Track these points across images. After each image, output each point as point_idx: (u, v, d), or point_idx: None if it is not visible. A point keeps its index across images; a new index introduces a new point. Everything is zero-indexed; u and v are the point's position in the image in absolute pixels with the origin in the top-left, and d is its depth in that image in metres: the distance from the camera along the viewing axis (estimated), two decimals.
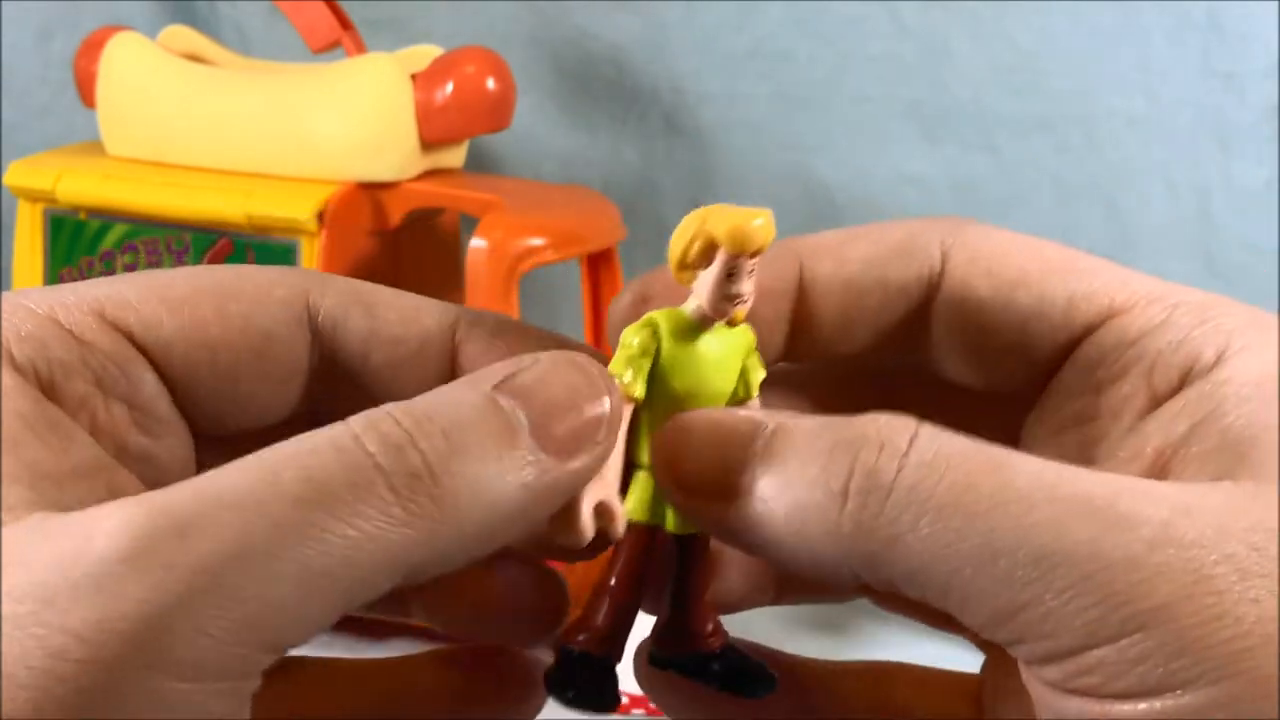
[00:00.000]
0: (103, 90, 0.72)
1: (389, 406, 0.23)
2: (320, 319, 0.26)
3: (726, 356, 0.26)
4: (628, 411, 0.26)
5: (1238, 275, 0.72)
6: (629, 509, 0.26)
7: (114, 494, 0.22)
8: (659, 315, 0.26)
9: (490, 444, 0.22)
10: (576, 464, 0.24)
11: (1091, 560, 0.21)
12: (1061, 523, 0.22)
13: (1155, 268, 0.72)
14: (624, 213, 0.72)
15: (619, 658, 0.27)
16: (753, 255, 0.25)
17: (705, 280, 0.26)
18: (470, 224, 0.67)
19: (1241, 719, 0.21)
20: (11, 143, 0.87)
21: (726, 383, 0.26)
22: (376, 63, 0.69)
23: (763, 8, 0.77)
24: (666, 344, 0.26)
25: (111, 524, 0.19)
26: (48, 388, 0.23)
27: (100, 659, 0.18)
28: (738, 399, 0.27)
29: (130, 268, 0.70)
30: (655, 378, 0.26)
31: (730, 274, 0.25)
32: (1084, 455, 0.27)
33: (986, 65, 0.75)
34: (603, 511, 0.25)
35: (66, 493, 0.22)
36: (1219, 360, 0.25)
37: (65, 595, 0.18)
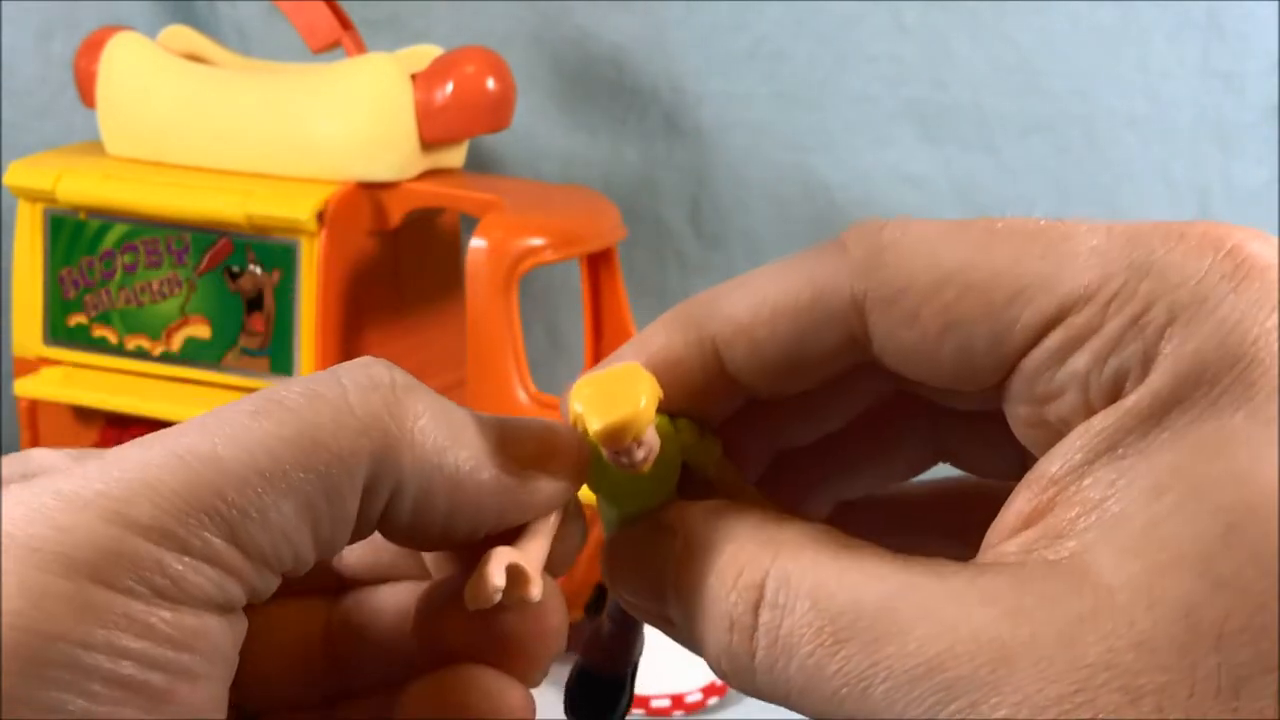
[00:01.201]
0: (103, 90, 0.72)
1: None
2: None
3: (654, 477, 0.26)
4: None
5: None
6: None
7: None
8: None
9: (448, 419, 0.25)
10: (533, 492, 0.25)
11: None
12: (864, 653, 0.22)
13: None
14: (624, 213, 0.72)
15: (629, 666, 0.27)
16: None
17: (601, 448, 0.26)
18: (470, 224, 0.67)
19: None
20: (11, 143, 0.87)
21: (665, 487, 0.26)
22: (376, 63, 0.69)
23: (763, 8, 0.77)
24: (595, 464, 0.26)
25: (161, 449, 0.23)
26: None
27: (147, 532, 0.22)
28: (704, 475, 0.27)
29: (130, 268, 0.70)
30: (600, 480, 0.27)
31: (618, 453, 0.25)
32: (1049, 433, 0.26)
33: (986, 65, 0.75)
34: (515, 575, 0.25)
35: None
36: (1142, 373, 0.23)
37: (128, 489, 0.22)
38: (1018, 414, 0.25)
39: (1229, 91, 0.72)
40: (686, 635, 0.25)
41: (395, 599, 0.28)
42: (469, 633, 0.26)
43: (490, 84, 0.68)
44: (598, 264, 0.71)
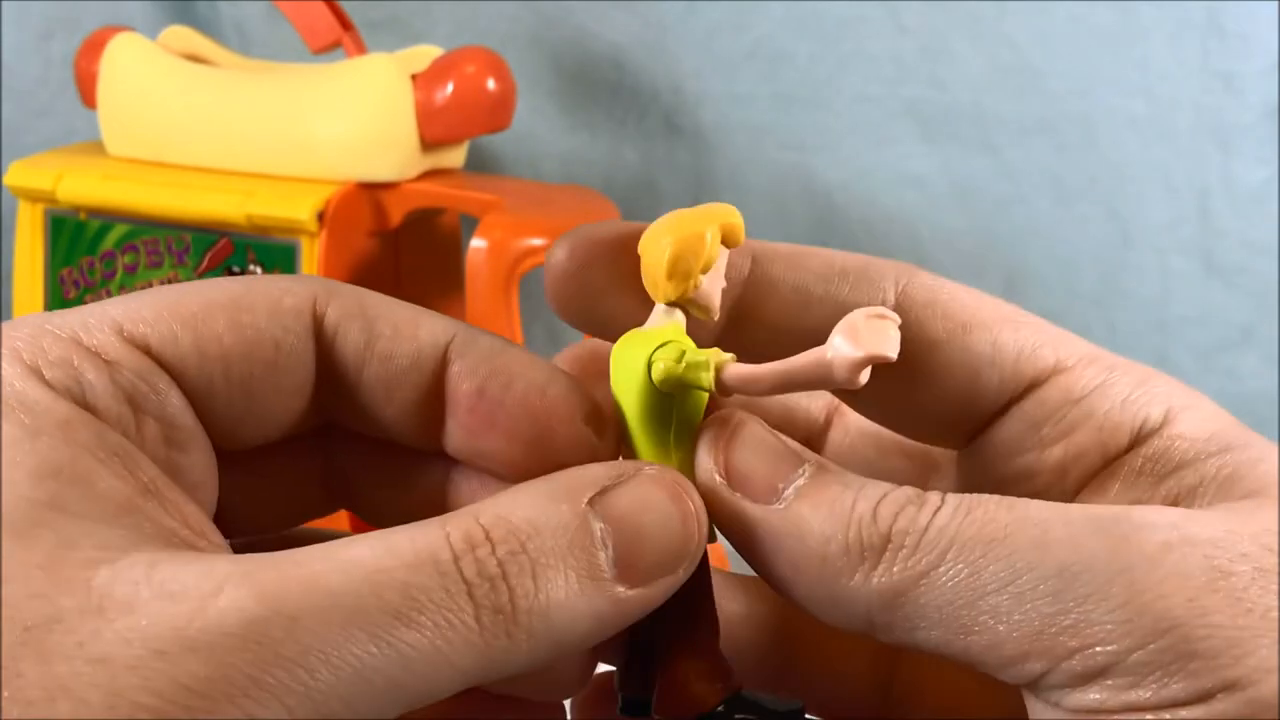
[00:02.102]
0: (103, 90, 0.72)
1: (486, 518, 0.23)
2: (324, 329, 0.26)
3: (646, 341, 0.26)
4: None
5: (1237, 275, 0.72)
6: None
7: (179, 515, 0.23)
8: (625, 344, 0.27)
9: (575, 575, 0.23)
10: (649, 592, 0.24)
11: (1110, 566, 0.21)
12: (1077, 538, 0.22)
13: (1155, 267, 0.72)
14: (624, 213, 0.72)
15: (651, 690, 0.27)
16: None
17: (713, 281, 0.26)
18: (470, 224, 0.67)
19: None
20: (12, 143, 0.87)
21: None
22: (376, 63, 0.69)
23: (763, 8, 0.77)
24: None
25: (225, 600, 0.20)
26: (88, 410, 0.23)
27: (197, 707, 0.20)
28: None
29: (130, 268, 0.70)
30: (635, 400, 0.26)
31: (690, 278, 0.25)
32: None
33: (986, 65, 0.75)
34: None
35: (143, 517, 0.22)
36: (1167, 419, 0.25)
37: (179, 651, 0.20)
38: (997, 469, 0.27)
39: (1229, 92, 0.72)
40: (794, 529, 0.24)
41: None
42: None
43: (490, 84, 0.68)
44: None
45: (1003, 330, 0.26)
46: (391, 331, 0.26)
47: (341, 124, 0.68)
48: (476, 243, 0.64)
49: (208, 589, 0.21)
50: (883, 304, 0.27)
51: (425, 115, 0.68)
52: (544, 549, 0.23)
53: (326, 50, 0.72)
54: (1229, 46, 0.71)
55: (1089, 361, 0.26)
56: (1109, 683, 0.21)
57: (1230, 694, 0.21)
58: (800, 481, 0.24)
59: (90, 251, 0.71)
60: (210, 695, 0.20)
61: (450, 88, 0.68)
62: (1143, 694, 0.21)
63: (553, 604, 0.23)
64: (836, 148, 0.78)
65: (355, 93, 0.68)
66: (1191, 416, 0.25)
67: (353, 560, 0.22)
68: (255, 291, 0.26)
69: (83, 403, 0.23)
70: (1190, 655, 0.21)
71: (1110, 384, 0.26)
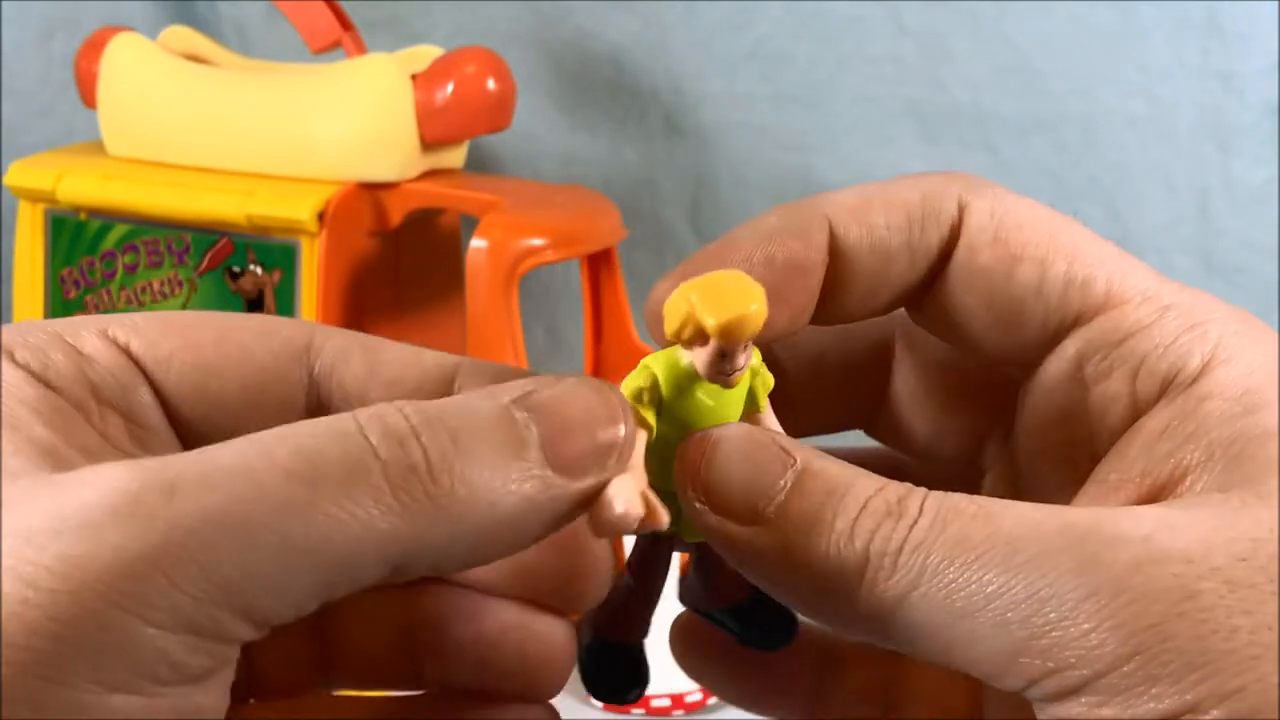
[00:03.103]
0: (103, 91, 0.72)
1: (399, 403, 0.23)
2: (321, 361, 0.26)
3: (727, 402, 0.26)
4: (642, 440, 0.25)
5: (1237, 275, 0.72)
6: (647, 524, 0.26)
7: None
8: (655, 364, 0.26)
9: (496, 451, 0.23)
10: (582, 485, 0.24)
11: (1077, 588, 0.21)
12: (1046, 557, 0.22)
13: (1155, 267, 0.72)
14: (624, 213, 0.72)
15: (643, 635, 0.27)
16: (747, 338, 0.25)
17: (699, 356, 0.25)
18: (470, 224, 0.67)
19: None
20: (12, 143, 0.87)
21: (731, 417, 0.26)
22: (376, 63, 0.69)
23: (763, 8, 0.77)
24: (668, 390, 0.26)
25: (102, 479, 0.20)
26: (45, 386, 0.24)
27: (70, 590, 0.19)
28: (746, 414, 0.27)
29: (130, 268, 0.70)
30: (666, 410, 0.26)
31: (724, 355, 0.25)
32: (1071, 454, 0.27)
33: (986, 65, 0.75)
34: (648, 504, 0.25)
35: (69, 463, 0.22)
36: (1203, 370, 0.25)
37: (46, 535, 0.19)
38: (1042, 406, 0.27)
39: (1228, 92, 0.72)
40: (780, 548, 0.24)
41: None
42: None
43: (490, 84, 0.68)
44: (598, 264, 0.71)
45: (1055, 261, 0.26)
46: (396, 362, 0.27)
47: (341, 124, 0.68)
48: (476, 243, 0.64)
49: (89, 477, 0.20)
50: (949, 234, 0.27)
51: (425, 115, 0.68)
52: (462, 424, 0.23)
53: (326, 50, 0.72)
54: (1229, 46, 0.71)
55: (1144, 298, 0.26)
56: (1083, 700, 0.21)
57: (1193, 715, 0.21)
58: (780, 498, 0.24)
59: (90, 251, 0.71)
60: (84, 581, 0.19)
61: (450, 88, 0.68)
62: (1113, 712, 0.21)
63: (473, 470, 0.22)
64: (836, 148, 0.78)
65: (355, 93, 0.68)
66: (1230, 370, 0.24)
67: (247, 439, 0.21)
68: (251, 319, 0.26)
69: (41, 378, 0.23)
70: (1154, 680, 0.21)
71: (1158, 325, 0.25)
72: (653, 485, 0.26)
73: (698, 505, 0.25)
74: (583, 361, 0.75)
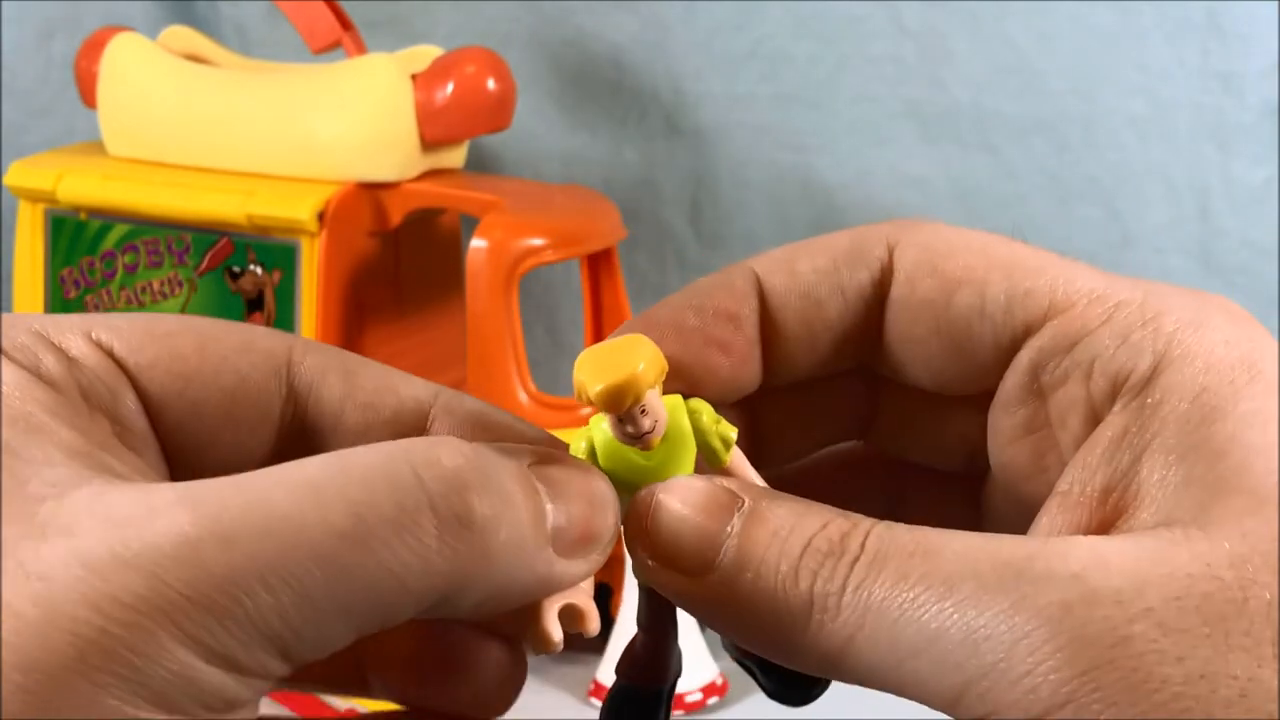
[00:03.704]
0: (103, 90, 0.72)
1: (455, 441, 0.23)
2: (299, 376, 0.26)
3: (666, 460, 0.26)
4: None
5: (1237, 275, 0.72)
6: (640, 578, 0.26)
7: (137, 468, 0.24)
8: (595, 428, 0.26)
9: (528, 515, 0.23)
10: (577, 569, 0.24)
11: (1010, 632, 0.21)
12: (982, 596, 0.22)
13: (1155, 267, 0.72)
14: (624, 213, 0.72)
15: (668, 679, 0.27)
16: (634, 404, 0.25)
17: (606, 421, 0.26)
18: (470, 224, 0.67)
19: None
20: (12, 143, 0.87)
21: (676, 472, 0.26)
22: (376, 63, 0.69)
23: (763, 8, 0.77)
24: (602, 454, 0.26)
25: (164, 522, 0.21)
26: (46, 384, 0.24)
27: (133, 622, 0.20)
28: (715, 465, 0.27)
29: (130, 268, 0.70)
30: (608, 472, 0.26)
31: (622, 420, 0.25)
32: (1037, 465, 0.26)
33: (986, 66, 0.75)
34: (572, 614, 0.25)
35: (96, 462, 0.23)
36: (1155, 371, 0.24)
37: (115, 568, 0.20)
38: (1006, 423, 0.26)
39: (1228, 92, 0.72)
40: (729, 597, 0.24)
41: None
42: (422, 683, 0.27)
43: (490, 84, 0.68)
44: (598, 264, 0.71)
45: (993, 280, 0.26)
46: (374, 385, 0.27)
47: (341, 124, 0.68)
48: (476, 243, 0.64)
49: (147, 512, 0.21)
50: (879, 272, 0.27)
51: (425, 115, 0.68)
52: (503, 479, 0.23)
53: (326, 50, 0.72)
54: (1229, 46, 0.71)
55: (1092, 298, 0.25)
56: None
57: None
58: (730, 543, 0.24)
59: (90, 251, 0.71)
60: (146, 613, 0.20)
61: (450, 88, 0.68)
62: None
63: (510, 530, 0.23)
64: (836, 148, 0.78)
65: (355, 93, 0.68)
66: (1183, 370, 0.24)
67: (300, 479, 0.22)
68: (233, 329, 0.26)
69: (46, 380, 0.24)
70: None
71: (1108, 325, 0.25)
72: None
73: (649, 564, 0.25)
74: None
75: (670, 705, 0.28)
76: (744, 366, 0.27)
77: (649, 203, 0.81)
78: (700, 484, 0.25)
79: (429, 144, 0.69)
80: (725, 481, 0.25)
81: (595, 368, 0.25)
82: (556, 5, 0.80)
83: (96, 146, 0.74)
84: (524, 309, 0.68)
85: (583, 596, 0.25)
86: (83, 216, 0.71)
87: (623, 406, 0.25)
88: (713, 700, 0.64)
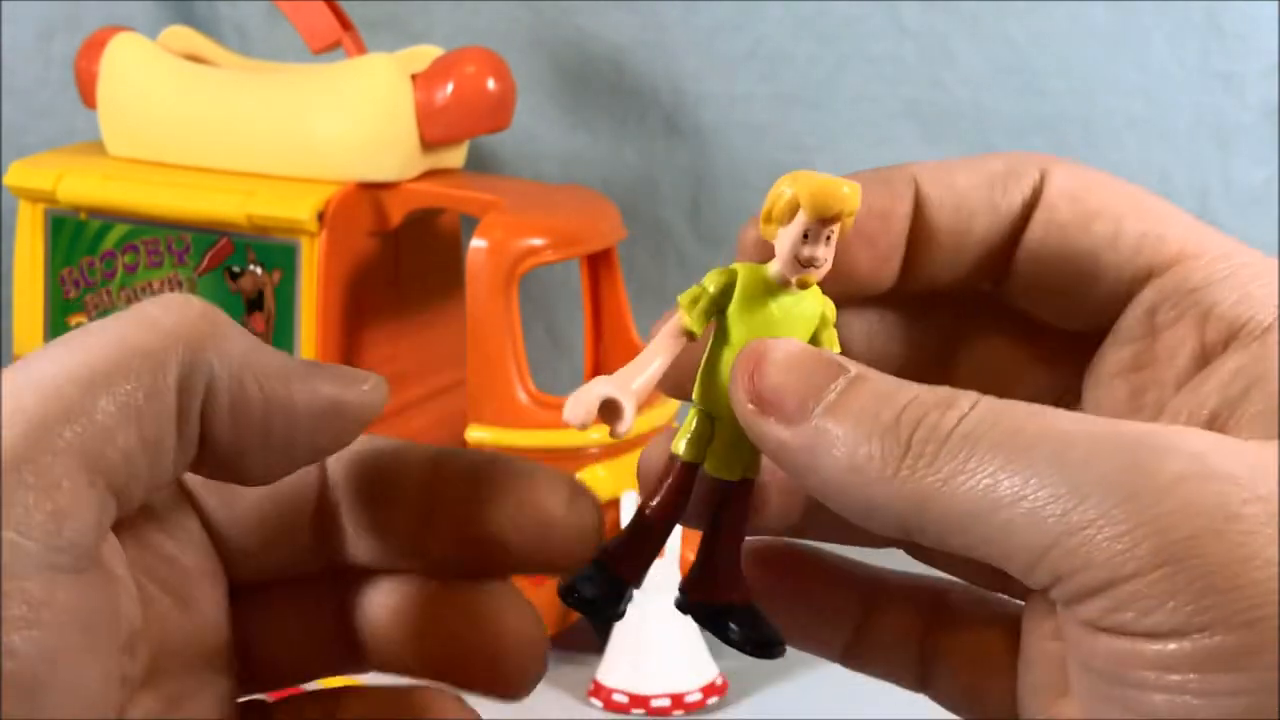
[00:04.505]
0: (103, 90, 0.72)
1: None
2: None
3: (795, 320, 0.26)
4: (679, 345, 0.26)
5: None
6: (676, 444, 0.27)
7: None
8: (741, 266, 0.27)
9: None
10: None
11: (1119, 490, 0.21)
12: (1095, 456, 0.22)
13: None
14: (624, 213, 0.72)
15: (636, 582, 0.27)
16: (832, 221, 0.25)
17: (783, 238, 0.26)
18: (470, 224, 0.67)
19: (1267, 668, 0.20)
20: (12, 143, 0.87)
21: (794, 336, 0.27)
22: (376, 63, 0.69)
23: (763, 8, 0.77)
24: (740, 294, 0.26)
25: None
26: None
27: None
28: None
29: (130, 268, 0.70)
30: (724, 324, 0.27)
31: (805, 235, 0.25)
32: (1134, 403, 0.27)
33: (986, 66, 0.75)
34: (611, 407, 0.25)
35: None
36: (1273, 323, 0.25)
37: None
38: (1113, 357, 0.27)
39: (1228, 92, 0.72)
40: (822, 444, 0.24)
41: (396, 593, 0.28)
42: (445, 640, 0.26)
43: (490, 84, 0.68)
44: (598, 264, 0.71)
45: (1130, 218, 0.27)
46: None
47: (341, 124, 0.68)
48: (476, 243, 0.64)
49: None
50: (1030, 195, 0.28)
51: (425, 115, 0.68)
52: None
53: (326, 50, 0.72)
54: (1229, 46, 0.71)
55: (1220, 254, 0.26)
56: (1100, 602, 0.21)
57: (1204, 636, 0.21)
58: (831, 397, 0.24)
59: (90, 251, 0.71)
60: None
61: (450, 88, 0.68)
62: (1127, 617, 0.21)
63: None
64: (836, 148, 0.78)
65: (355, 93, 0.68)
66: None
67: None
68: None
69: None
70: (1173, 594, 0.21)
71: (1231, 278, 0.26)
72: (697, 404, 0.27)
73: (748, 407, 0.25)
74: (583, 361, 0.75)
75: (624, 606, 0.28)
76: (884, 265, 0.28)
77: (649, 202, 0.81)
78: (812, 348, 0.25)
79: (429, 144, 0.69)
80: (836, 355, 0.25)
81: (810, 178, 0.25)
82: (556, 5, 0.80)
83: (96, 146, 0.74)
84: (524, 309, 0.68)
85: (625, 394, 0.25)
86: (83, 216, 0.71)
87: (830, 210, 0.25)
88: (713, 700, 0.64)
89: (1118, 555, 0.21)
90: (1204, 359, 0.26)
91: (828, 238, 0.25)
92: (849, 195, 0.25)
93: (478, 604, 0.26)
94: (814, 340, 0.27)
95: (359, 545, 0.27)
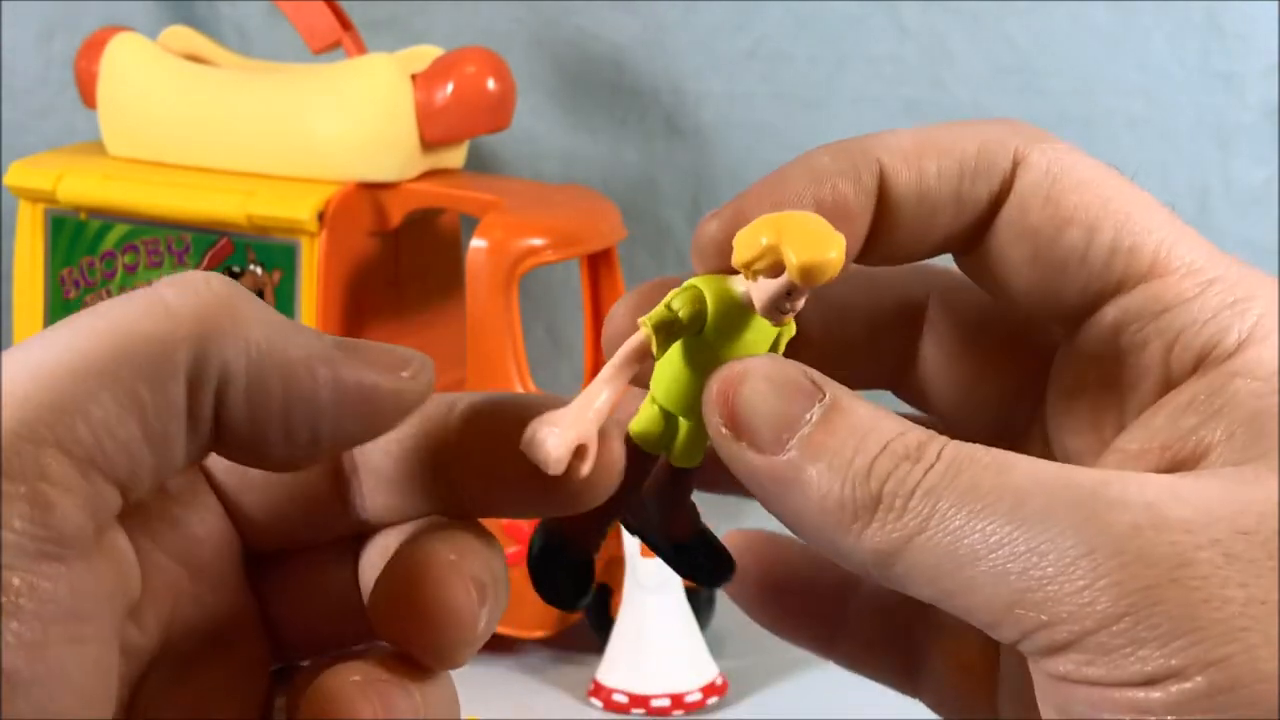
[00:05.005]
0: (103, 90, 0.72)
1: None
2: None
3: (763, 340, 0.26)
4: (637, 367, 0.26)
5: None
6: (633, 426, 0.27)
7: None
8: (706, 287, 0.26)
9: None
10: None
11: (1077, 545, 0.22)
12: (1050, 512, 0.22)
13: None
14: (624, 213, 0.72)
15: (594, 549, 0.28)
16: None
17: (765, 287, 0.25)
18: (470, 224, 0.68)
19: (1240, 705, 0.21)
20: (12, 143, 0.87)
21: (766, 349, 0.27)
22: (376, 63, 0.69)
23: (763, 8, 0.77)
24: (713, 318, 0.26)
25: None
26: None
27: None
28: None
29: (130, 268, 0.70)
30: (693, 342, 0.26)
31: (790, 294, 0.25)
32: (1093, 423, 0.27)
33: (986, 66, 0.75)
34: (581, 453, 0.25)
35: None
36: (1238, 347, 0.25)
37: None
38: (1071, 372, 0.27)
39: (1228, 92, 0.72)
40: (796, 480, 0.24)
41: (375, 549, 0.27)
42: (388, 599, 0.25)
43: (490, 84, 0.68)
44: (598, 264, 0.71)
45: (1103, 227, 0.26)
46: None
47: (341, 124, 0.68)
48: (476, 243, 0.64)
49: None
50: (999, 188, 0.27)
51: (425, 115, 0.68)
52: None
53: (326, 50, 0.72)
54: (1229, 46, 0.71)
55: (1189, 270, 0.26)
56: (1072, 657, 0.22)
57: (1176, 681, 0.21)
58: (806, 430, 0.24)
59: (90, 251, 0.71)
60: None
61: (450, 88, 0.68)
62: (1099, 671, 0.22)
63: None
64: None
65: (355, 93, 0.68)
66: (1264, 349, 0.25)
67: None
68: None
69: None
70: (1141, 642, 0.21)
71: (1199, 299, 0.25)
72: (658, 401, 0.26)
73: (723, 431, 0.25)
74: (583, 361, 0.75)
75: (592, 574, 0.28)
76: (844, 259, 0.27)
77: (649, 202, 0.81)
78: (790, 368, 0.25)
79: (429, 144, 0.69)
80: (810, 371, 0.25)
81: (800, 237, 0.25)
82: (556, 5, 0.80)
83: (96, 146, 0.74)
84: (524, 309, 0.68)
85: (589, 436, 0.25)
86: (83, 216, 0.71)
87: (819, 282, 0.25)
88: (713, 700, 0.64)
89: (1081, 609, 0.22)
90: (1167, 385, 0.26)
91: (805, 294, 0.25)
92: (837, 262, 0.24)
93: (427, 564, 0.25)
94: (777, 338, 0.27)
95: (376, 502, 0.27)
